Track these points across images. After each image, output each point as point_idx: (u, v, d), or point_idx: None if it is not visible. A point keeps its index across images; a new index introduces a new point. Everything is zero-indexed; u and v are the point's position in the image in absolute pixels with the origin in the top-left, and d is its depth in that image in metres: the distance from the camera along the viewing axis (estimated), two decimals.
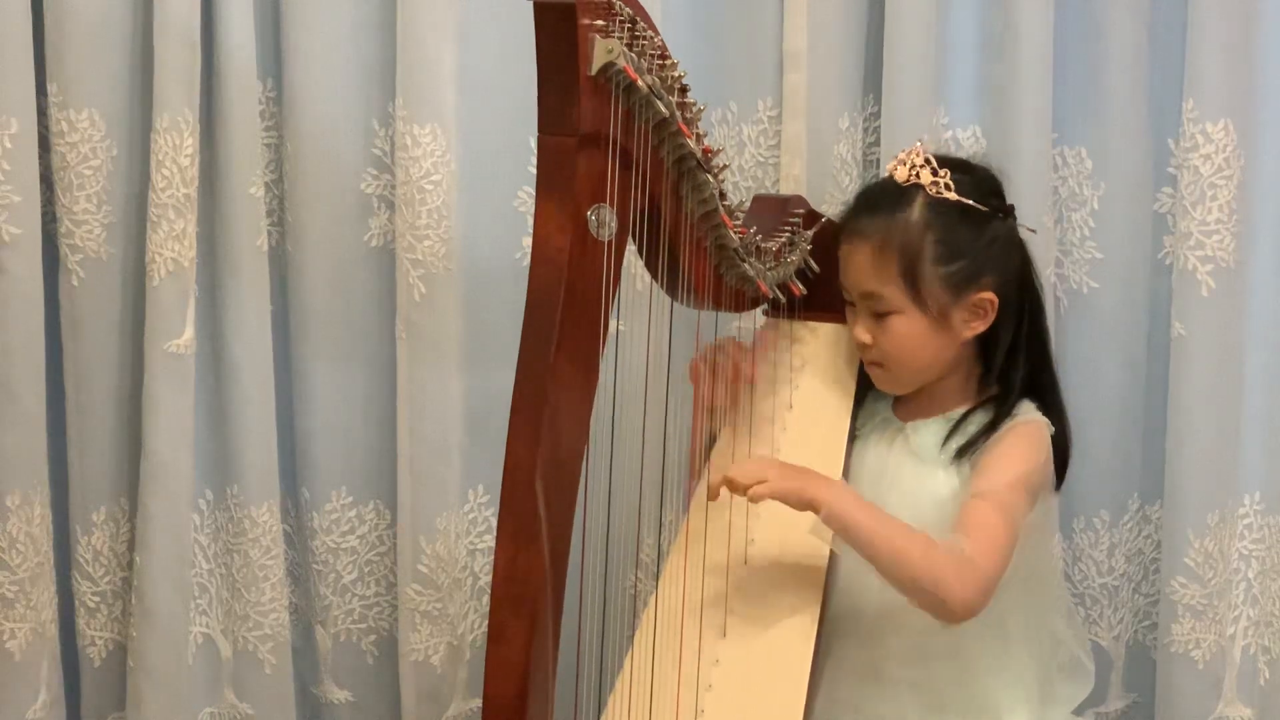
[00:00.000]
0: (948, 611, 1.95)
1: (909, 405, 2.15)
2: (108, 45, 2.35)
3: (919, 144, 2.10)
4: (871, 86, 2.45)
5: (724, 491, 1.95)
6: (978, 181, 2.09)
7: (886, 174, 2.11)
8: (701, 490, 2.10)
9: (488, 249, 2.45)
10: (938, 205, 2.05)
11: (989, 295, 2.06)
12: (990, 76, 2.42)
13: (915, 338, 2.06)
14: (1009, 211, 2.11)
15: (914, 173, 2.06)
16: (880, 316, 2.06)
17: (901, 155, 2.09)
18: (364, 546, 2.54)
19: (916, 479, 2.08)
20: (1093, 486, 2.49)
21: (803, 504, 1.92)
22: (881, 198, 2.09)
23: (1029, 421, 2.07)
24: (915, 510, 2.04)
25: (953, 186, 2.05)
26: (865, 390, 2.17)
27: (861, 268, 2.07)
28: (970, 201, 2.05)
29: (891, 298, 2.05)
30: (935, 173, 2.05)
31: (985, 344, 2.10)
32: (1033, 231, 2.17)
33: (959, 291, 2.05)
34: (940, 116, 2.43)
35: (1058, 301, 2.46)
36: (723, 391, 2.16)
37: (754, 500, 1.93)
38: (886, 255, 2.04)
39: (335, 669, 2.57)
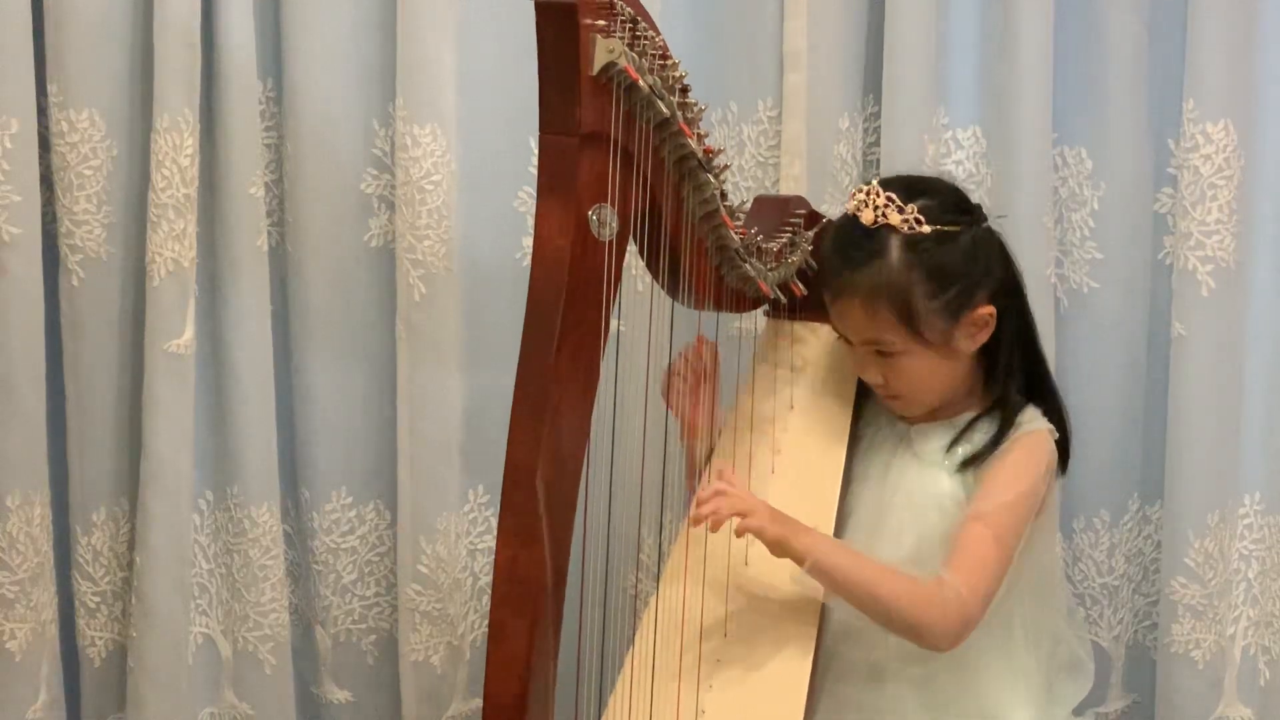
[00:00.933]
0: (930, 645, 1.98)
1: None
2: (108, 45, 2.35)
3: (874, 182, 2.04)
4: (871, 86, 2.45)
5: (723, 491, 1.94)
6: (943, 201, 2.04)
7: (849, 213, 2.05)
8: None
9: (488, 249, 2.45)
10: (913, 241, 2.00)
11: (986, 309, 2.05)
12: (990, 76, 2.42)
13: (926, 371, 2.05)
14: (980, 216, 2.08)
15: (880, 214, 2.01)
16: (886, 356, 2.05)
17: (860, 196, 2.04)
18: (364, 547, 2.54)
19: (919, 482, 2.08)
20: (1093, 486, 2.49)
21: (785, 554, 1.94)
22: (856, 248, 2.03)
23: (1032, 432, 2.06)
24: (917, 514, 2.05)
25: (923, 219, 2.00)
26: (868, 391, 2.16)
27: (857, 321, 2.04)
28: (944, 227, 2.02)
29: (894, 342, 2.03)
30: (902, 210, 2.00)
31: (986, 347, 2.09)
32: (1002, 217, 2.15)
33: (958, 315, 2.03)
34: (940, 116, 2.43)
35: (1058, 301, 2.46)
36: (698, 407, 2.15)
37: (737, 533, 1.93)
38: (878, 305, 2.01)
39: (335, 669, 2.57)
